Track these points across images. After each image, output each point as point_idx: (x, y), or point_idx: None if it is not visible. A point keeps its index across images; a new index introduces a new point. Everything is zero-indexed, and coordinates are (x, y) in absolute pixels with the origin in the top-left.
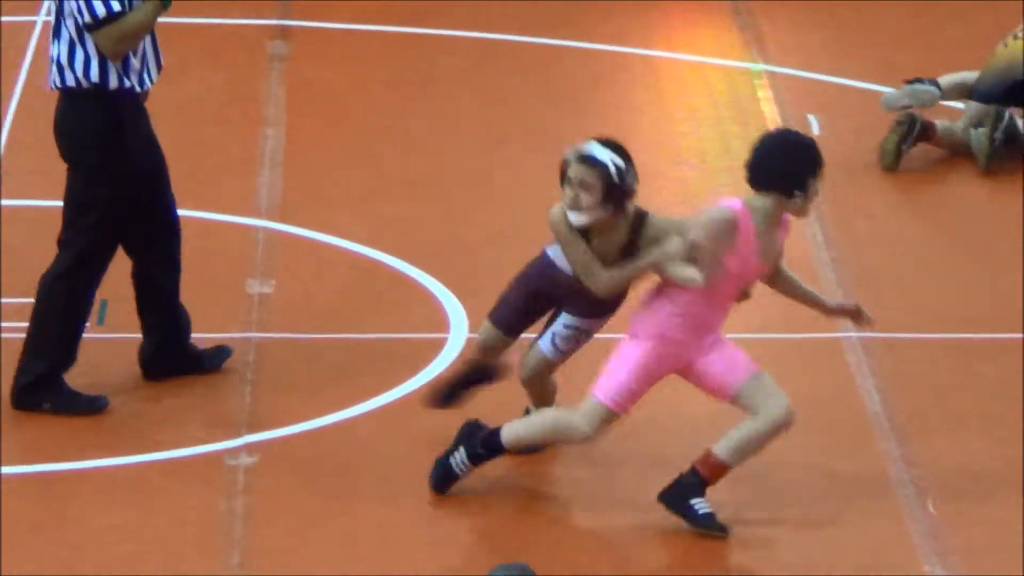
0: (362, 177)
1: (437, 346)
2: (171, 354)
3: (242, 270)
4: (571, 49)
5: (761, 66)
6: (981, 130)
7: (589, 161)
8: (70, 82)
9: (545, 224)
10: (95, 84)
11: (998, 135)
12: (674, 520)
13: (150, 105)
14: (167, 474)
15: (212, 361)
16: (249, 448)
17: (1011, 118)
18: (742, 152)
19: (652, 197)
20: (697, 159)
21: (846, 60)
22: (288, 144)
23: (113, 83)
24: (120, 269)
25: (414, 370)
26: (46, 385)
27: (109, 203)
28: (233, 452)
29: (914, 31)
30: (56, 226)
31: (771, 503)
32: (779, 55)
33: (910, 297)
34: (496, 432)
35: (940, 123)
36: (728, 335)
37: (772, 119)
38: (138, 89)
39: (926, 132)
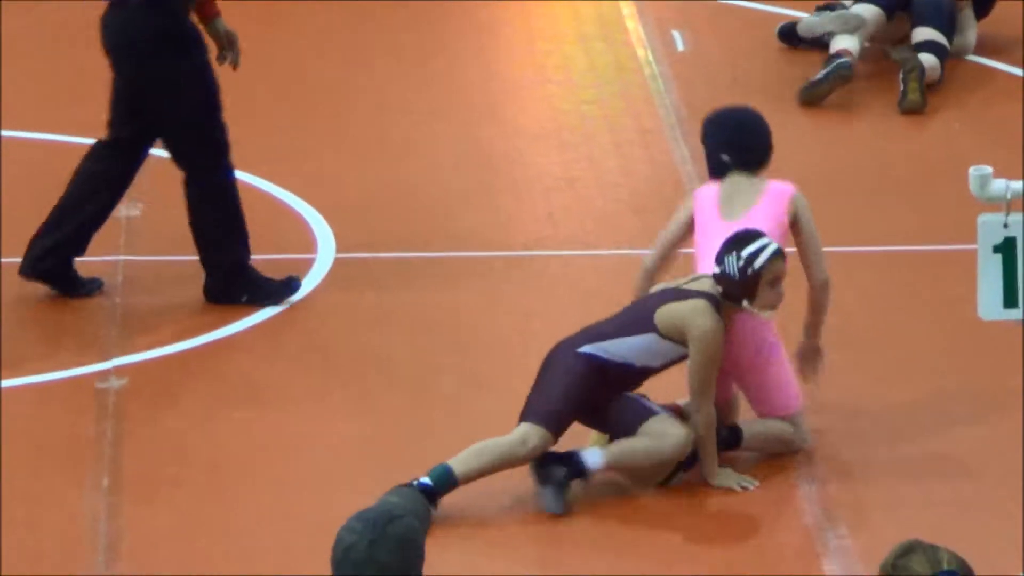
0: (227, 100)
1: (305, 267)
2: (57, 261)
3: None
4: None
5: None
6: (911, 90)
7: (784, 254)
8: None
9: (407, 144)
10: None
11: (920, 81)
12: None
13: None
14: (35, 399)
15: (84, 288)
16: (118, 371)
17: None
18: (607, 69)
19: (519, 116)
20: (562, 76)
21: None
22: None
23: None
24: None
25: None
26: (238, 278)
27: (203, 90)
28: (102, 375)
29: None
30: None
31: None
32: None
33: None
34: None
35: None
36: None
37: (637, 35)
38: None
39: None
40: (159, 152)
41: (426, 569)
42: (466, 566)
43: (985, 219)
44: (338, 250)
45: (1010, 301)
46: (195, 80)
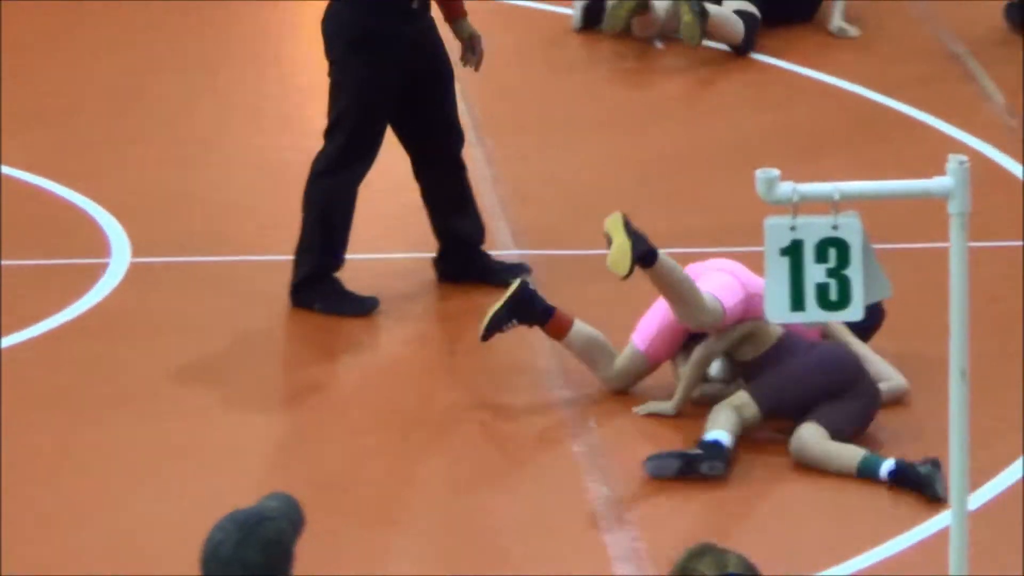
0: (19, 100)
1: (98, 271)
2: (460, 260)
3: None
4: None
5: None
6: (686, 18)
7: None
8: None
9: (202, 150)
10: None
11: (696, 7)
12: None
13: None
14: None
15: (503, 275)
16: None
17: None
18: None
19: (313, 121)
20: None
21: None
22: None
23: None
24: None
25: (76, 296)
26: (316, 284)
27: (358, 100)
28: None
29: None
30: None
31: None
32: None
33: (573, 214)
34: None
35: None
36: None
37: None
38: None
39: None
40: None
41: None
42: None
43: (772, 222)
44: (133, 253)
45: (797, 304)
46: (365, 72)
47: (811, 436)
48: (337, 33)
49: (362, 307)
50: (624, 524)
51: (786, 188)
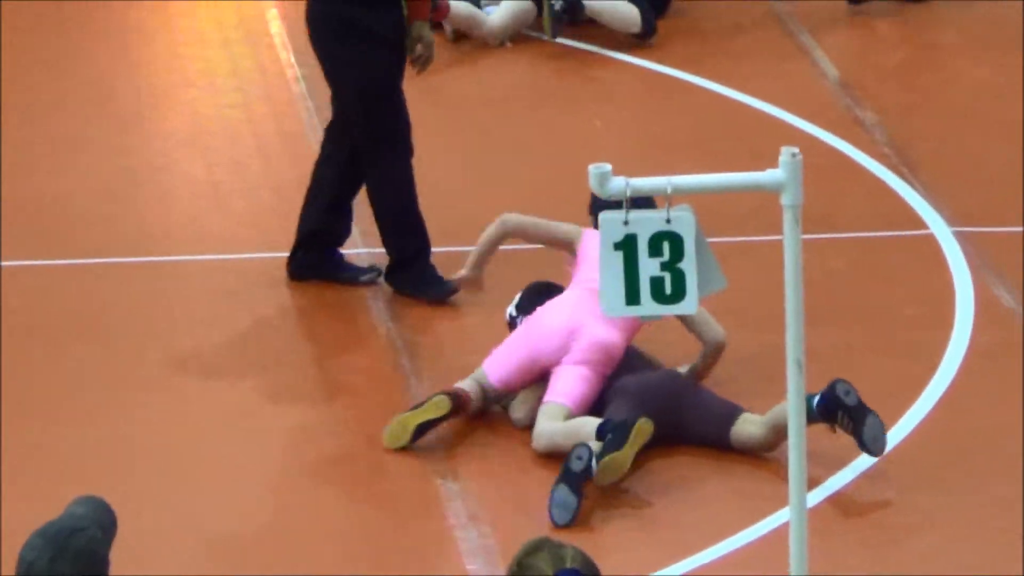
0: None
1: None
2: (314, 256)
3: None
4: None
5: None
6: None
7: None
8: None
9: (51, 151)
10: None
11: (558, 3)
12: None
13: None
14: None
15: (354, 274)
16: None
17: None
18: (250, 72)
19: (162, 122)
20: (205, 80)
21: None
22: None
23: None
24: None
25: None
26: (413, 266)
27: (357, 87)
28: None
29: None
30: None
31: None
32: None
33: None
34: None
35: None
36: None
37: (280, 38)
38: None
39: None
40: None
41: None
42: None
43: (606, 216)
44: (3, 258)
45: (632, 298)
46: (356, 68)
47: (748, 423)
48: (318, 28)
49: (443, 290)
50: (474, 520)
51: (619, 182)
